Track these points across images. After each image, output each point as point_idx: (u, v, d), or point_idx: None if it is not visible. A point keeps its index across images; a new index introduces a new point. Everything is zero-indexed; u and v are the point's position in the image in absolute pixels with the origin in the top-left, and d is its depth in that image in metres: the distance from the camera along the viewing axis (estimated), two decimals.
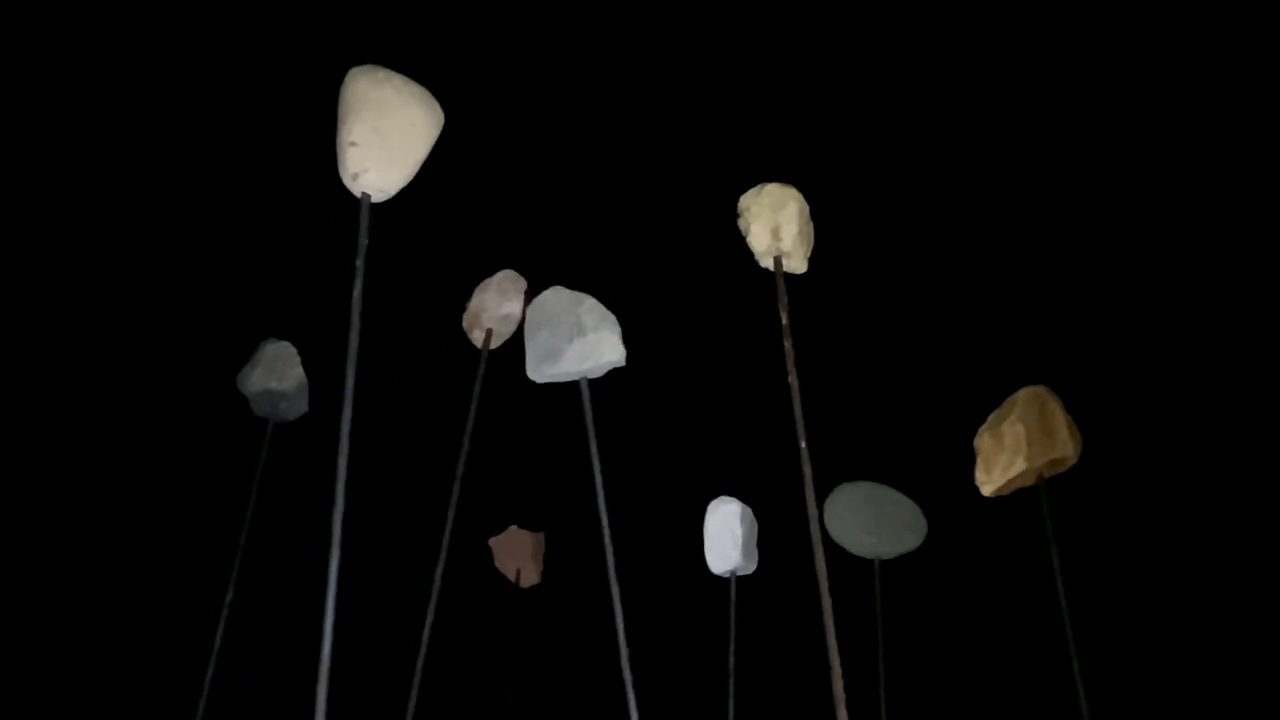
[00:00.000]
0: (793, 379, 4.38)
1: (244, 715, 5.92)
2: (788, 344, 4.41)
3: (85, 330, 6.41)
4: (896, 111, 6.55)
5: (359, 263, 3.70)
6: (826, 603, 4.06)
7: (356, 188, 3.82)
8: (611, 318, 5.00)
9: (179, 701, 5.53)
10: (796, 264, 4.62)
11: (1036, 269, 6.34)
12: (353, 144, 3.79)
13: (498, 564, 7.27)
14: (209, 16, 6.36)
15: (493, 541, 7.25)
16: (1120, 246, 5.97)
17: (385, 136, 3.82)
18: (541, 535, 7.35)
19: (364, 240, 3.73)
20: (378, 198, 3.85)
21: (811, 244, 4.66)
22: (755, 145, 6.60)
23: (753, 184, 4.68)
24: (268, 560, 5.82)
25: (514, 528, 7.28)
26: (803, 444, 4.31)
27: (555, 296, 5.08)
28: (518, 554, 7.25)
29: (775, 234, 4.54)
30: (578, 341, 4.90)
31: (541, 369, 4.99)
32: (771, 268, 4.57)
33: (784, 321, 4.45)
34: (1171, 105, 5.78)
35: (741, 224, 4.63)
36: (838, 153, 6.53)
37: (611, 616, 4.80)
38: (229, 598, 5.50)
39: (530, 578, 7.25)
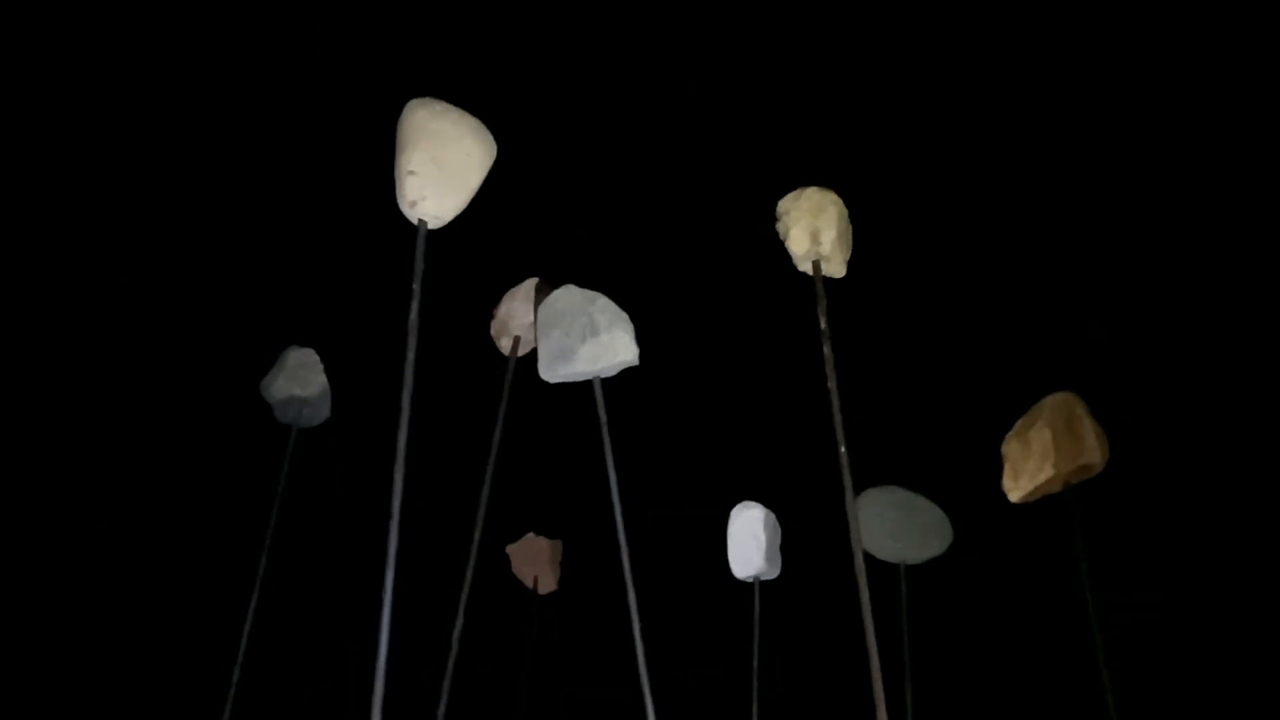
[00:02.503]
0: (832, 384, 4.36)
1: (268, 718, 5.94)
2: (826, 349, 4.40)
3: (115, 338, 6.47)
4: (931, 118, 6.52)
5: (415, 286, 3.76)
6: (866, 609, 4.06)
7: (414, 215, 3.91)
8: (624, 317, 4.93)
9: (202, 706, 5.57)
10: (835, 268, 4.59)
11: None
12: (411, 173, 3.90)
13: (515, 571, 7.26)
14: (273, 52, 6.46)
15: (510, 549, 7.24)
16: (1150, 253, 5.93)
17: (442, 166, 3.94)
18: (559, 542, 7.35)
19: (420, 265, 3.80)
20: (433, 225, 3.95)
21: (850, 248, 4.63)
22: (791, 148, 6.58)
23: (789, 188, 4.67)
24: (291, 565, 5.84)
25: (531, 534, 7.28)
26: (842, 449, 4.31)
27: (567, 295, 5.00)
28: (535, 561, 7.25)
29: (814, 238, 4.52)
30: (590, 341, 4.85)
31: (554, 369, 4.93)
32: (810, 272, 4.55)
33: (823, 326, 4.44)
34: (1210, 120, 5.73)
35: (780, 228, 4.61)
36: (872, 158, 6.51)
37: (629, 622, 4.77)
38: (253, 604, 5.51)
39: (548, 584, 7.26)
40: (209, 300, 6.77)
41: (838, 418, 4.31)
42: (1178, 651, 5.57)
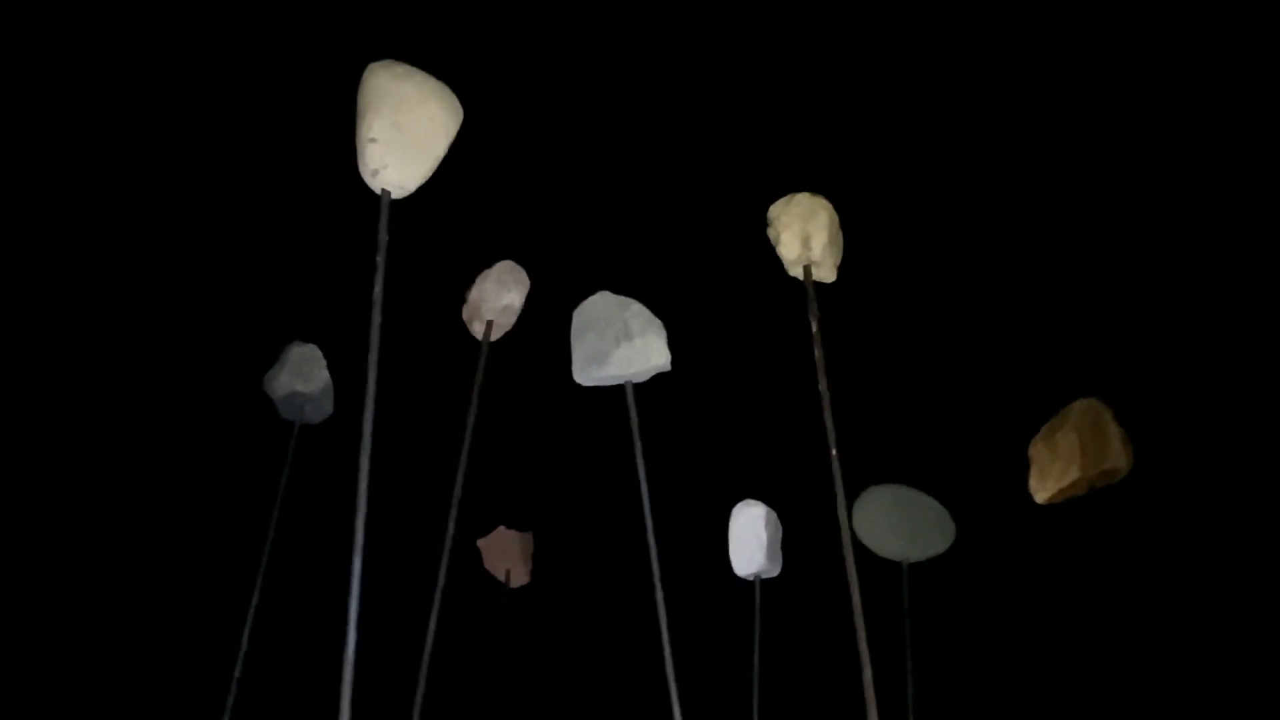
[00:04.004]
0: (823, 387, 4.40)
1: (268, 714, 5.89)
2: (818, 352, 4.42)
3: (110, 334, 6.38)
4: (927, 119, 6.56)
5: (380, 259, 3.61)
6: (858, 611, 4.11)
7: (376, 184, 3.75)
8: (658, 323, 5.03)
9: (203, 702, 5.53)
10: (826, 273, 4.64)
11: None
12: (372, 140, 3.72)
13: (487, 565, 7.27)
14: (226, 14, 6.34)
15: (481, 543, 7.23)
16: (1174, 259, 6.00)
17: (405, 132, 3.76)
18: (530, 535, 7.36)
19: (384, 237, 3.64)
20: (397, 194, 3.78)
21: (841, 253, 4.68)
22: (783, 154, 6.60)
23: (781, 193, 4.69)
24: (293, 562, 5.81)
25: (502, 528, 7.29)
26: (833, 451, 4.32)
27: (602, 301, 5.10)
28: (506, 555, 7.26)
29: (805, 243, 4.55)
30: (624, 346, 4.93)
31: (588, 372, 5.02)
32: (801, 277, 4.59)
33: (814, 330, 4.46)
34: (1220, 119, 5.80)
35: (771, 233, 4.64)
36: (867, 161, 6.54)
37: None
38: (254, 600, 5.48)
39: (520, 578, 7.26)
40: (208, 294, 6.69)
41: (829, 421, 4.34)
42: (1195, 657, 5.64)
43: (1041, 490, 5.05)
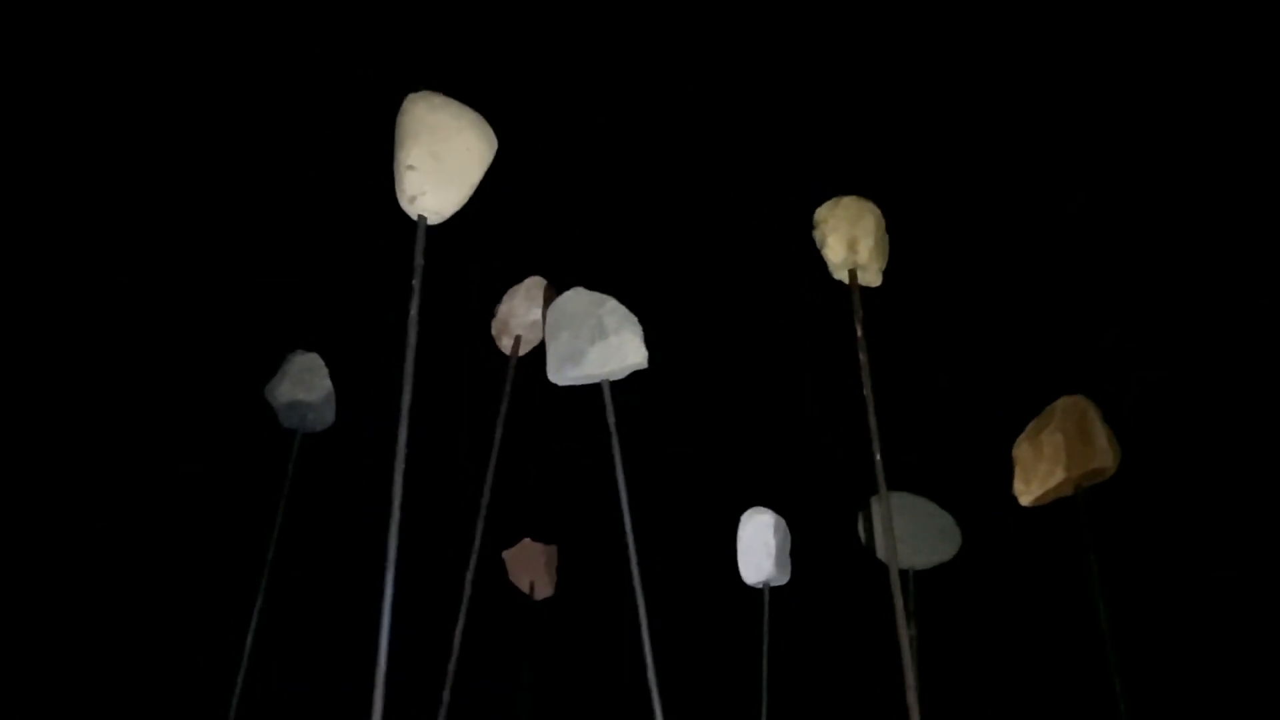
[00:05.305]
0: (868, 391, 4.40)
1: None
2: (863, 356, 4.43)
3: (117, 343, 6.45)
4: (966, 128, 6.49)
5: (415, 282, 3.76)
6: (900, 616, 4.14)
7: (413, 210, 3.91)
8: (633, 319, 4.90)
9: (206, 708, 5.55)
10: (872, 277, 4.64)
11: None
12: (410, 168, 3.88)
13: (511, 577, 7.23)
14: (267, 44, 6.44)
15: (506, 554, 7.19)
16: (1164, 257, 5.88)
17: (442, 160, 3.92)
18: (554, 547, 7.32)
19: (420, 261, 3.80)
20: (433, 220, 3.94)
21: (887, 257, 4.67)
22: (826, 156, 6.55)
23: (822, 196, 4.71)
24: (295, 571, 5.81)
25: (527, 540, 7.25)
26: (878, 457, 4.37)
27: (576, 298, 4.98)
28: (531, 567, 7.21)
29: (852, 246, 4.56)
30: (600, 344, 4.81)
31: (563, 371, 4.90)
32: (846, 280, 4.60)
33: (859, 334, 4.47)
34: (1226, 127, 5.68)
35: (817, 236, 4.65)
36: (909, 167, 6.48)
37: (629, 628, 4.74)
38: (257, 608, 5.49)
39: (544, 590, 7.22)
40: (211, 303, 6.75)
41: (873, 426, 4.35)
42: (1189, 656, 5.52)
43: (1026, 493, 4.94)
